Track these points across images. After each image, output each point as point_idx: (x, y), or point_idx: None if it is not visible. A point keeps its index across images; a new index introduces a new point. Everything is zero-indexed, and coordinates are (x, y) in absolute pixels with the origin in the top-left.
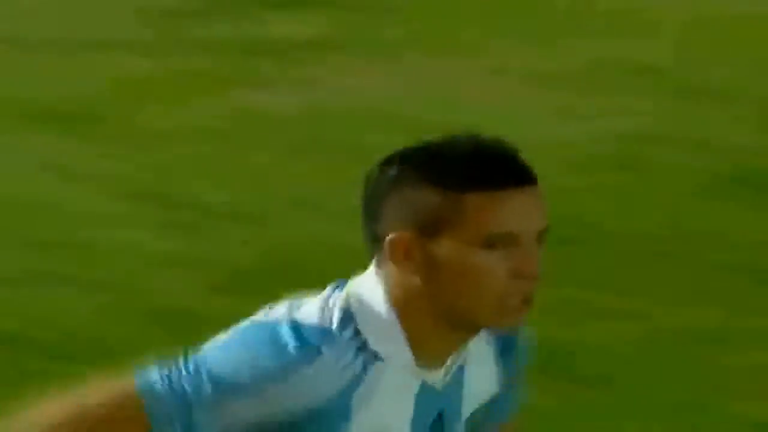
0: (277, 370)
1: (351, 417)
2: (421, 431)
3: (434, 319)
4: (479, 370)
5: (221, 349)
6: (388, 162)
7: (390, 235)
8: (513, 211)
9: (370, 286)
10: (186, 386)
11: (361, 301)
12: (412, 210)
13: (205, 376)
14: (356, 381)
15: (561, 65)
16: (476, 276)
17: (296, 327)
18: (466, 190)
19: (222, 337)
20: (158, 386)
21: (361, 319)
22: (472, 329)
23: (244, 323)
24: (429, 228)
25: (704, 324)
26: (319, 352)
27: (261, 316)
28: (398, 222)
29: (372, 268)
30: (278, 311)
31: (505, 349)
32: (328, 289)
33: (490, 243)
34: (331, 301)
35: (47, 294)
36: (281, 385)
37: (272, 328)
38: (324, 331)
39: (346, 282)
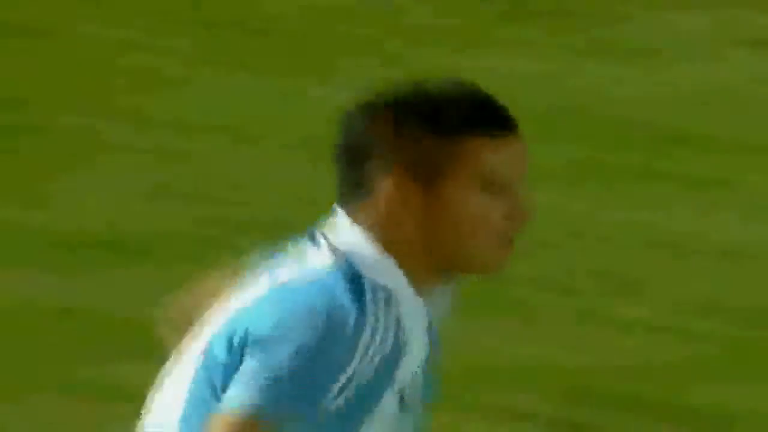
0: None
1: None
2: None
3: (425, 260)
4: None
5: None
6: (371, 106)
7: (385, 182)
8: (508, 156)
9: (356, 238)
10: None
11: (356, 254)
12: (407, 156)
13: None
14: (398, 319)
15: None
16: (474, 220)
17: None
18: (464, 135)
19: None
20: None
21: (364, 268)
22: (460, 271)
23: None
24: (426, 174)
25: None
26: (364, 304)
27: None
28: (391, 168)
29: (342, 218)
30: (264, 284)
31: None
32: (302, 246)
33: (487, 187)
34: (321, 259)
35: None
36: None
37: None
38: (351, 284)
39: (314, 238)
